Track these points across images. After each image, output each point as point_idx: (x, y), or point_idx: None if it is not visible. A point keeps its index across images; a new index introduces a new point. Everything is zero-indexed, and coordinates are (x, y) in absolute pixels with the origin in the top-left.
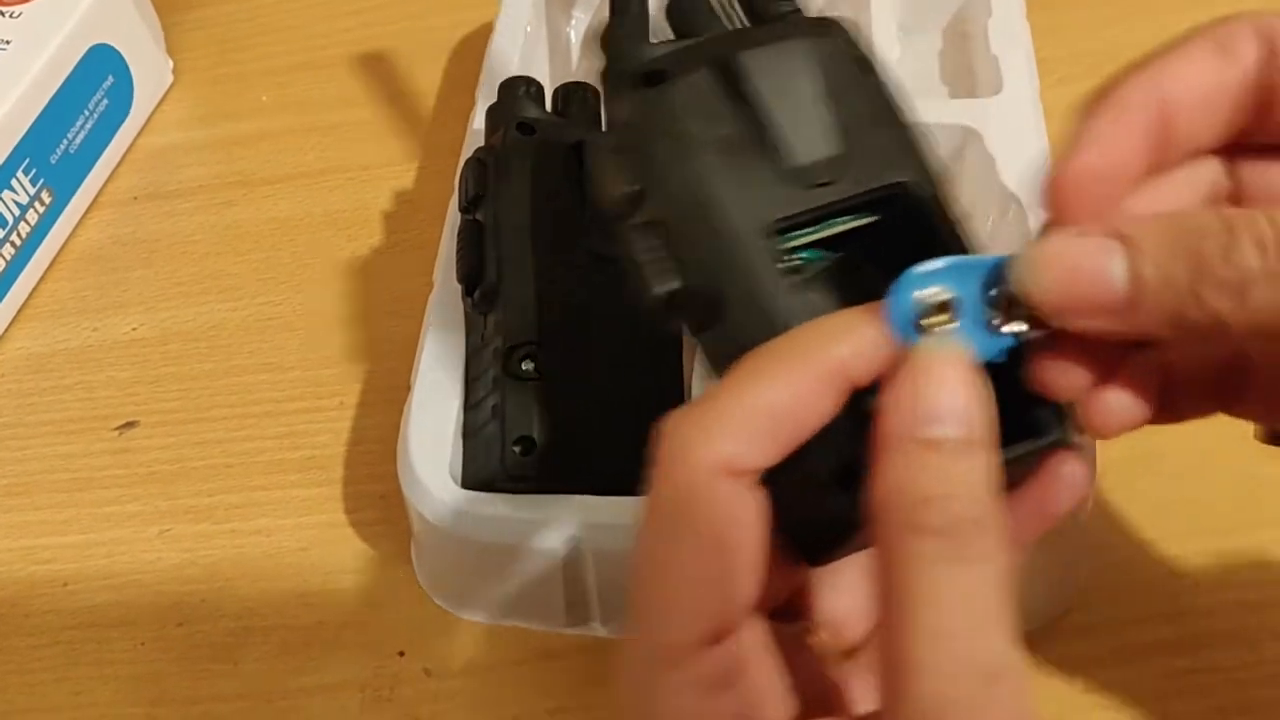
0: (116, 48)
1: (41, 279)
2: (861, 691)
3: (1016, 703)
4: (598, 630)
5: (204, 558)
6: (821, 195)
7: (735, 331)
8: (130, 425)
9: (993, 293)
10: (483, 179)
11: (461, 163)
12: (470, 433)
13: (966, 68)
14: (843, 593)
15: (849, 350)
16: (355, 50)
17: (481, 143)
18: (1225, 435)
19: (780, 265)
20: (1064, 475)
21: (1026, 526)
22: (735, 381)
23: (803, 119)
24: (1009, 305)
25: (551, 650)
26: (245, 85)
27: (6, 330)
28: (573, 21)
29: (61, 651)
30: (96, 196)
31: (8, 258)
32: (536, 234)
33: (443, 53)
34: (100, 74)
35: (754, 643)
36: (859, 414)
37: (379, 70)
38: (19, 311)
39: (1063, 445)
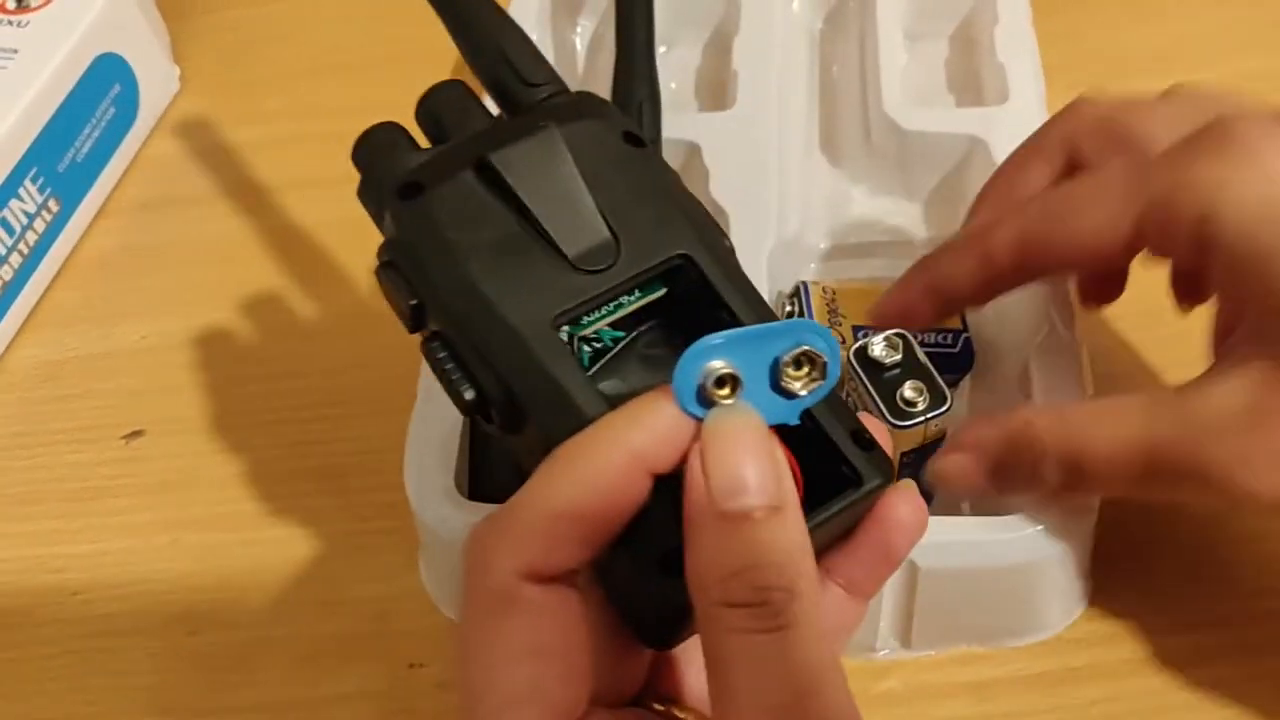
0: (123, 56)
1: (49, 287)
2: None
3: None
4: None
5: (216, 567)
6: (600, 281)
7: (543, 430)
8: (138, 434)
9: (782, 356)
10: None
11: None
12: (477, 443)
13: (973, 75)
14: (693, 670)
15: (644, 438)
16: (362, 57)
17: None
18: None
19: (576, 355)
20: (897, 519)
21: (871, 574)
22: (534, 485)
23: (569, 209)
24: (798, 365)
25: None
26: (253, 92)
27: (15, 338)
28: (578, 29)
29: (74, 661)
30: (104, 205)
31: (16, 266)
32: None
33: (450, 59)
34: (107, 82)
35: None
36: (676, 498)
37: (386, 76)
38: (27, 320)
39: (882, 489)
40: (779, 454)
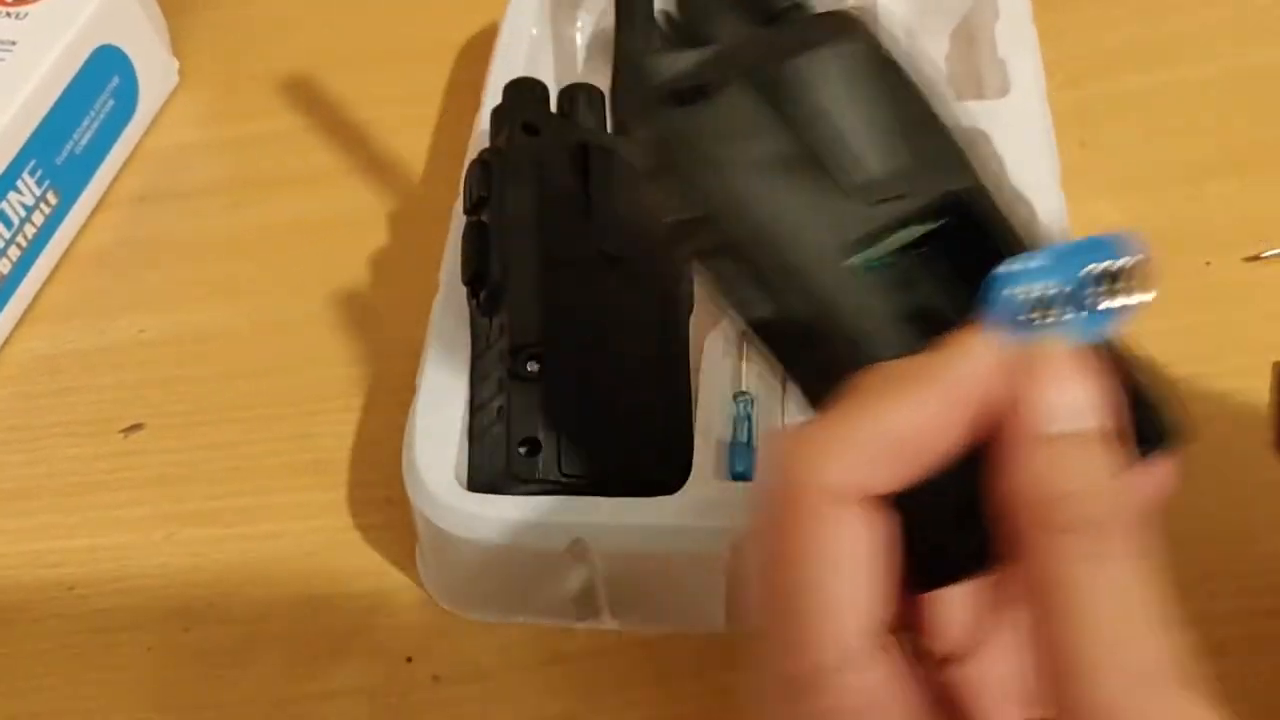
0: (122, 49)
1: (48, 280)
2: (975, 700)
3: (1191, 704)
4: (608, 623)
5: (212, 562)
6: (888, 211)
7: (833, 358)
8: (136, 428)
9: (1089, 272)
10: (487, 181)
11: (466, 164)
12: (476, 435)
13: (974, 71)
14: (953, 603)
15: (971, 369)
16: (362, 51)
17: (487, 144)
18: (1237, 441)
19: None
20: (1157, 476)
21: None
22: (856, 403)
23: (853, 133)
24: (1109, 280)
25: (560, 654)
26: (252, 86)
27: (13, 332)
28: (579, 24)
29: (70, 655)
30: (103, 198)
31: (14, 259)
32: (542, 235)
33: (450, 54)
34: (106, 75)
35: (881, 666)
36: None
37: (386, 71)
38: (26, 313)
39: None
40: (1107, 384)
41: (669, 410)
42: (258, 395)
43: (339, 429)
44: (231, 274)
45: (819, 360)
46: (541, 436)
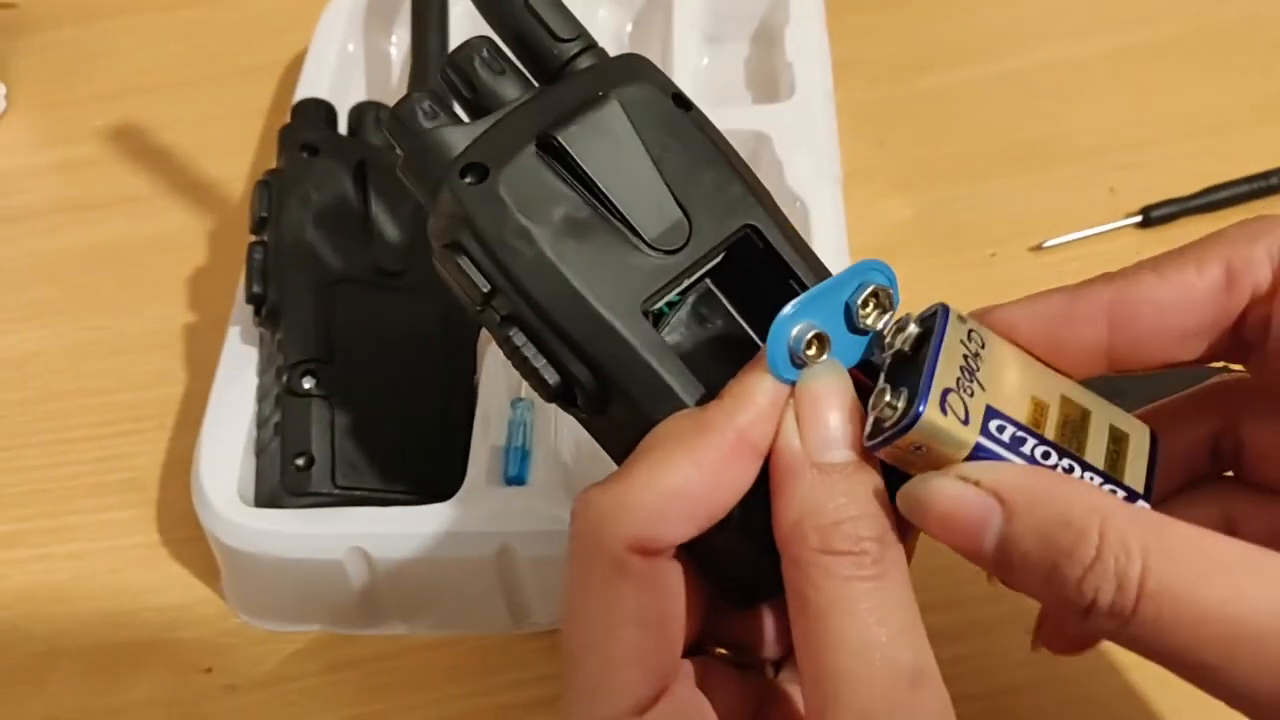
0: None
1: None
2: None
3: (938, 703)
4: (398, 629)
5: (14, 583)
6: (680, 261)
7: (634, 411)
8: None
9: (854, 300)
10: (268, 201)
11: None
12: (259, 451)
13: (769, 74)
14: (762, 616)
15: (749, 416)
16: (187, 75)
17: None
18: None
19: (659, 334)
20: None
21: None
22: (648, 463)
23: (639, 187)
24: (868, 305)
25: (352, 659)
26: (78, 111)
27: None
28: (393, 39)
29: None
30: None
31: None
32: (320, 253)
33: (273, 74)
34: None
35: (688, 688)
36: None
37: (210, 92)
38: None
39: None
40: (859, 412)
41: (449, 420)
42: (70, 417)
43: (151, 448)
44: (48, 298)
45: (621, 418)
46: (315, 450)
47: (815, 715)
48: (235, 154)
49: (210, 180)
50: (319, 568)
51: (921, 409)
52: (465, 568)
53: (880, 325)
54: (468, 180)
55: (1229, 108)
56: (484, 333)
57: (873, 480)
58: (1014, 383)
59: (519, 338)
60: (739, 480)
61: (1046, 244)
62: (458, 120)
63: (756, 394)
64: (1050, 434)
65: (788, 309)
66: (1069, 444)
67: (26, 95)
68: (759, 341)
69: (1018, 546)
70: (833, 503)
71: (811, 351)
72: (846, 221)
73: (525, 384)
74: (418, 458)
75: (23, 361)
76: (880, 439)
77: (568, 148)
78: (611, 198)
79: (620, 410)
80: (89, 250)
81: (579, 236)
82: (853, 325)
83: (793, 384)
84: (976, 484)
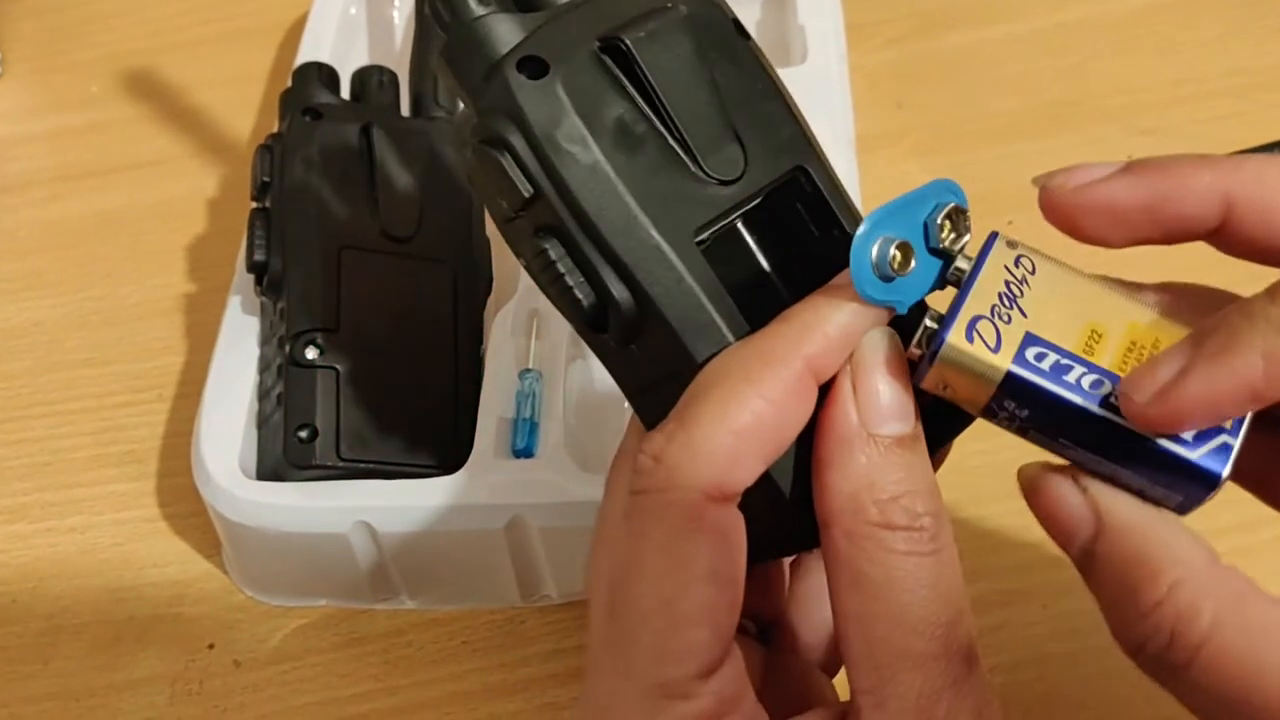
0: None
1: None
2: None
3: (988, 684)
4: (406, 604)
5: (17, 558)
6: (733, 194)
7: (671, 343)
8: None
9: (935, 217)
10: (269, 166)
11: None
12: (261, 423)
13: (781, 38)
14: (811, 600)
15: (817, 345)
16: (186, 38)
17: None
18: None
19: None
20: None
21: None
22: (713, 398)
23: (700, 108)
24: (950, 222)
25: (359, 635)
26: (75, 76)
27: None
28: (396, 2)
29: None
30: None
31: None
32: (325, 219)
33: (274, 37)
34: None
35: (738, 652)
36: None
37: (210, 57)
38: None
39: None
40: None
41: (457, 390)
42: (71, 388)
43: (152, 420)
44: (48, 268)
45: (653, 351)
46: (319, 422)
47: (868, 692)
48: (236, 119)
49: (210, 146)
50: (323, 542)
51: (945, 335)
52: (474, 541)
53: (958, 247)
54: (524, 74)
55: (1257, 69)
56: (491, 303)
57: (925, 456)
58: (1067, 309)
59: (556, 250)
60: (802, 414)
61: None
62: (509, 8)
63: (826, 321)
64: (1106, 362)
65: (867, 222)
66: None
67: (22, 60)
68: (779, 285)
69: (1097, 564)
70: (891, 475)
71: (897, 265)
72: (863, 186)
73: (533, 354)
74: (424, 429)
75: (22, 332)
76: (916, 374)
77: (635, 53)
78: (673, 115)
79: (654, 341)
80: (87, 218)
81: (634, 151)
82: (929, 245)
83: (879, 303)
84: (1085, 492)
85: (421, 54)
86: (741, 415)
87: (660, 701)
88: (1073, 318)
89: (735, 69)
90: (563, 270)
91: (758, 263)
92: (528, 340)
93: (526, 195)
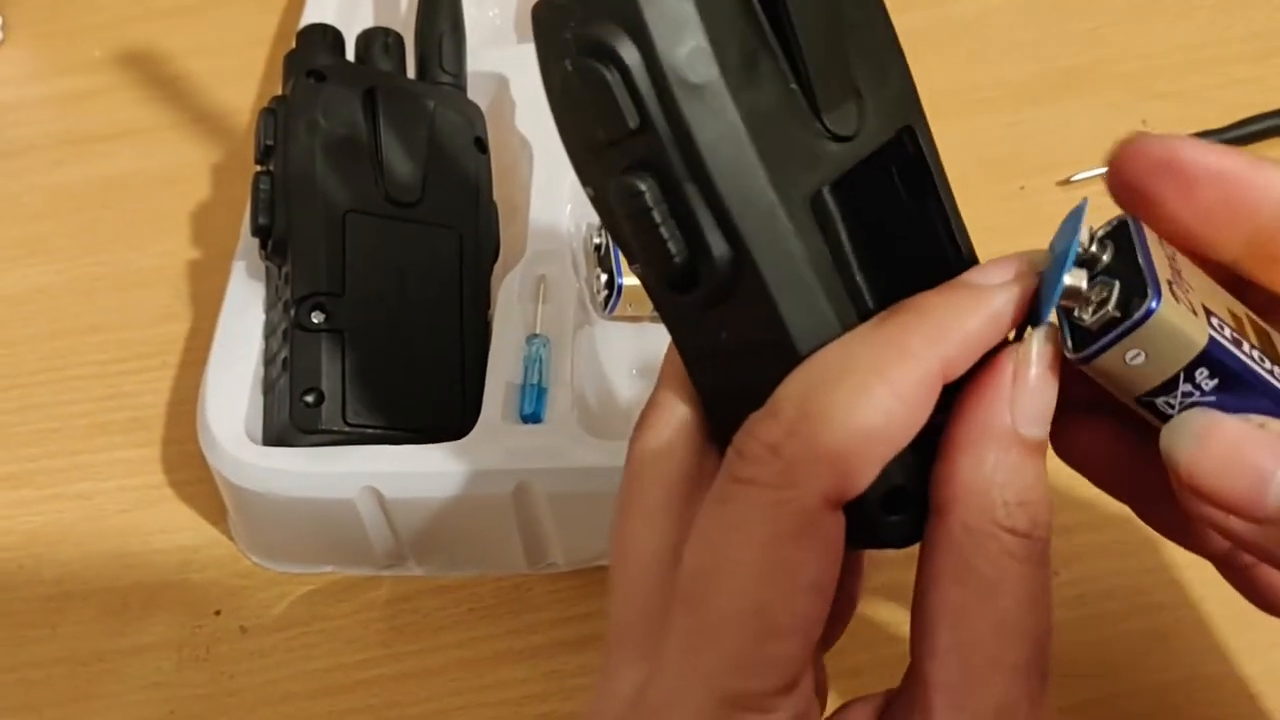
0: None
1: None
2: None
3: (1052, 707)
4: (414, 570)
5: (24, 524)
6: (846, 154)
7: (764, 312)
8: None
9: (1082, 245)
10: (273, 129)
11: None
12: (267, 388)
13: None
14: None
15: (954, 348)
16: (190, 1)
17: None
18: None
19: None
20: None
21: None
22: (841, 391)
23: (831, 54)
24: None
25: (366, 602)
26: (77, 41)
27: None
28: None
29: None
30: None
31: None
32: (330, 183)
33: (280, 1)
34: None
35: (812, 679)
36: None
37: (214, 21)
38: None
39: None
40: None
41: (464, 356)
42: (75, 355)
43: (157, 386)
44: (52, 233)
45: (736, 318)
46: (325, 387)
47: (947, 690)
48: (240, 83)
49: (214, 111)
50: (330, 508)
51: (1156, 303)
52: (481, 507)
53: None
54: None
55: (1276, 32)
56: (499, 265)
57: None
58: (1209, 289)
59: (654, 193)
60: (924, 419)
61: (1075, 178)
62: None
63: (965, 323)
64: (1255, 342)
65: (1084, 205)
66: (1274, 358)
67: (25, 24)
68: (870, 258)
69: None
70: (1024, 479)
71: (1095, 249)
72: None
73: (540, 319)
74: (431, 394)
75: (27, 298)
76: (1097, 346)
77: None
78: (806, 55)
79: (741, 308)
80: (91, 184)
81: (759, 90)
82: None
83: (1069, 287)
84: (1261, 426)
85: (428, 16)
86: (873, 414)
87: (733, 713)
88: (1218, 297)
89: (859, 11)
90: (656, 217)
91: (850, 230)
92: (535, 305)
93: (633, 126)
